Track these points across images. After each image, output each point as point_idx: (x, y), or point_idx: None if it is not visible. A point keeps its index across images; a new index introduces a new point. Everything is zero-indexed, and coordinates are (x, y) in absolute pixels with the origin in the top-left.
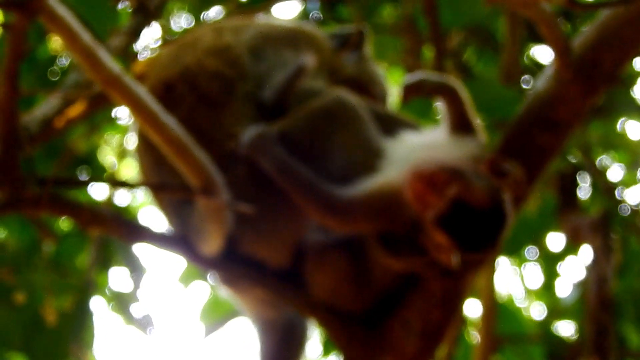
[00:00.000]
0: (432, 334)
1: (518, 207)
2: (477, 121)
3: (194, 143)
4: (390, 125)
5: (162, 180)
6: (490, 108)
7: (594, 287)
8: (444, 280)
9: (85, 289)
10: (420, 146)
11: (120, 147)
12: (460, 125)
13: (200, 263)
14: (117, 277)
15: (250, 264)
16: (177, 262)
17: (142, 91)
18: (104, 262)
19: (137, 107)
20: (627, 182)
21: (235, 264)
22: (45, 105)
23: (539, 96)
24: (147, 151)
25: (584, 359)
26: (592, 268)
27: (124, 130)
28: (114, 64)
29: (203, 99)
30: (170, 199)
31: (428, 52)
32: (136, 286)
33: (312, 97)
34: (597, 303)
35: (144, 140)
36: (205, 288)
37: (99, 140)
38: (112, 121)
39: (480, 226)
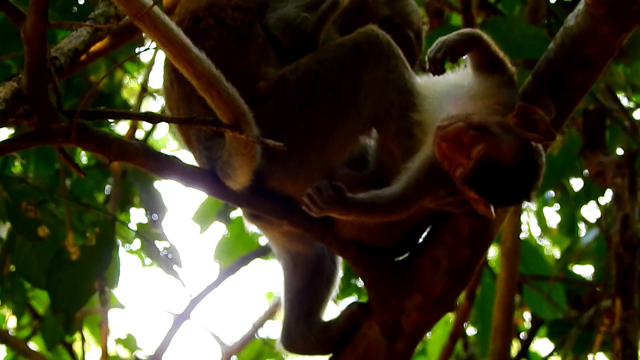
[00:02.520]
0: (461, 272)
1: (545, 149)
2: (504, 57)
3: (224, 77)
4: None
5: (190, 114)
6: (517, 47)
7: (619, 227)
8: (473, 219)
9: (109, 223)
10: (451, 92)
11: (142, 84)
12: (489, 64)
13: (228, 198)
14: (139, 217)
15: (278, 200)
16: (193, 201)
17: (173, 24)
18: (125, 201)
19: (167, 41)
20: None
21: (263, 200)
22: (73, 38)
23: (570, 34)
24: (176, 86)
25: (605, 301)
26: (617, 208)
27: (146, 68)
28: None
29: (229, 31)
30: (198, 136)
31: None
32: (158, 225)
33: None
34: (621, 243)
35: (172, 75)
36: (221, 228)
37: (121, 78)
38: (134, 58)
39: (510, 181)
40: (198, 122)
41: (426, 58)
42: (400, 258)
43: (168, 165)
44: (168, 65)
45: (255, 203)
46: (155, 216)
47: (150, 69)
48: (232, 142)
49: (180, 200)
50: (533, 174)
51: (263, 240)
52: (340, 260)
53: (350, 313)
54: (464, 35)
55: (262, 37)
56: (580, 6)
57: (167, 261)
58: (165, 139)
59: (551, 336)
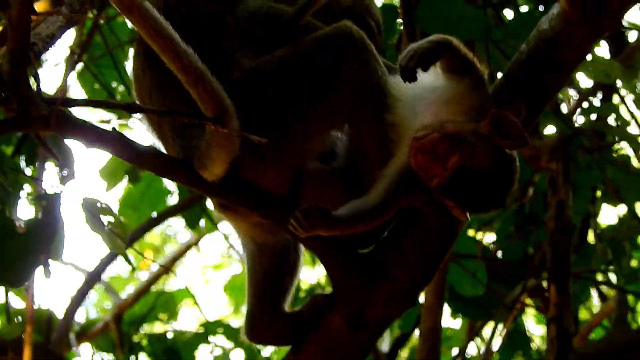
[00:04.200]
0: (427, 266)
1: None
2: (474, 58)
3: (209, 71)
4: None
5: (164, 104)
6: (454, 27)
7: (554, 213)
8: (443, 215)
9: (57, 196)
10: (423, 95)
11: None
12: (459, 67)
13: (202, 188)
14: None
15: (250, 191)
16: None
17: (162, 18)
18: (32, 155)
19: (157, 34)
20: None
21: (236, 190)
22: (50, 23)
23: (544, 37)
24: (148, 74)
25: (531, 280)
26: (552, 193)
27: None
28: None
29: (202, 18)
30: (172, 125)
31: None
32: (68, 180)
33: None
34: (557, 229)
35: (145, 63)
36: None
37: None
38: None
39: (486, 190)
40: (180, 115)
41: (398, 65)
42: (366, 250)
43: (144, 154)
44: (140, 53)
45: (228, 194)
46: (65, 172)
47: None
48: (212, 134)
49: (89, 156)
50: (507, 181)
51: (172, 200)
52: (302, 250)
53: (314, 304)
54: (435, 43)
55: (235, 27)
56: (555, 10)
57: (112, 236)
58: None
59: (453, 313)
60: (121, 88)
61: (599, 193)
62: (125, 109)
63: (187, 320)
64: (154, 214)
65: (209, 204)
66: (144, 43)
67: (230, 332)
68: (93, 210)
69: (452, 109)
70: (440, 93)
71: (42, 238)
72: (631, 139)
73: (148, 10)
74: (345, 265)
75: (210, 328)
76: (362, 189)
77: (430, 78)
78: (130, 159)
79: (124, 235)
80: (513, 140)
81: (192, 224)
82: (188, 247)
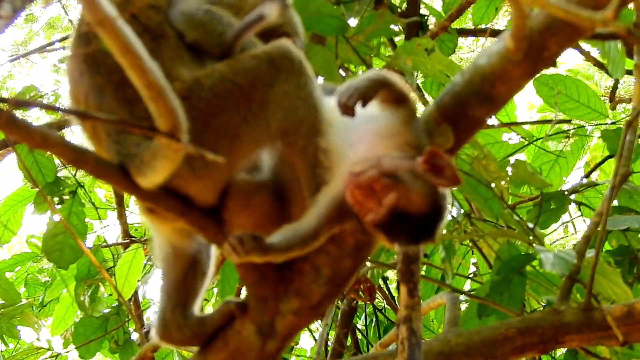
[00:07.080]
0: (340, 281)
1: None
2: (407, 89)
3: (170, 87)
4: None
5: (100, 107)
6: (311, 22)
7: None
8: (360, 234)
9: None
10: (358, 126)
11: None
12: (394, 99)
13: (135, 193)
14: None
15: (179, 198)
16: None
17: (132, 35)
18: None
19: (126, 50)
20: None
21: (166, 197)
22: None
23: (480, 72)
24: (86, 77)
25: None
26: None
27: None
28: (109, 6)
29: (143, 29)
30: (107, 129)
31: None
32: None
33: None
34: None
35: (83, 66)
36: None
37: None
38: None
39: (418, 226)
40: (134, 126)
41: (337, 102)
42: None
43: (83, 157)
44: (77, 54)
45: (159, 200)
46: None
47: None
48: (161, 146)
49: None
50: (438, 218)
51: None
52: (213, 255)
53: (226, 310)
54: (373, 81)
55: (174, 37)
56: (495, 47)
57: None
58: None
59: None
60: None
61: None
62: (78, 116)
63: None
64: None
65: None
66: (82, 45)
67: None
68: None
69: (387, 142)
70: (376, 124)
71: None
72: None
73: (119, 26)
74: (260, 274)
75: None
76: (289, 206)
77: (365, 109)
78: (69, 159)
79: None
80: (446, 180)
81: None
82: None
